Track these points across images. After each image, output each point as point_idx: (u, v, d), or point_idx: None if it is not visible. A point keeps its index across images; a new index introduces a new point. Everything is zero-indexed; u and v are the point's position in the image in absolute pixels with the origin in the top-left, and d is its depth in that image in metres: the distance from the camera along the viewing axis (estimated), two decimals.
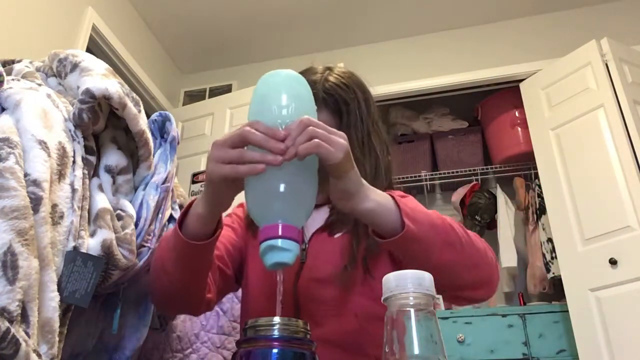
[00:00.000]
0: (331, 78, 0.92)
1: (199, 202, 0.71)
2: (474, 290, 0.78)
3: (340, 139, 0.62)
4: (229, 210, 1.07)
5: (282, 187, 0.59)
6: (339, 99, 0.90)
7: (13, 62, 0.96)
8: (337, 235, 0.90)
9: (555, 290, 2.76)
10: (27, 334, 0.56)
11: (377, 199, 0.69)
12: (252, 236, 0.96)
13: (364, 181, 0.68)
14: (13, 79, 0.84)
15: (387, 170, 0.94)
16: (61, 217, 0.67)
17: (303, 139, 0.59)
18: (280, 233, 0.56)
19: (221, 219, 0.74)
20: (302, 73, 0.94)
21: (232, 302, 1.15)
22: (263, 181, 0.60)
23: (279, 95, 0.64)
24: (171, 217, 0.93)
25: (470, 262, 0.75)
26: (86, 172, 0.76)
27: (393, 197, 0.71)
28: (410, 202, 0.73)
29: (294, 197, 0.60)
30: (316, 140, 0.59)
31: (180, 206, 1.00)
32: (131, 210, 0.82)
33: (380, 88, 3.09)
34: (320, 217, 0.93)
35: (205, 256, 0.76)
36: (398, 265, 0.84)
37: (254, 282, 0.93)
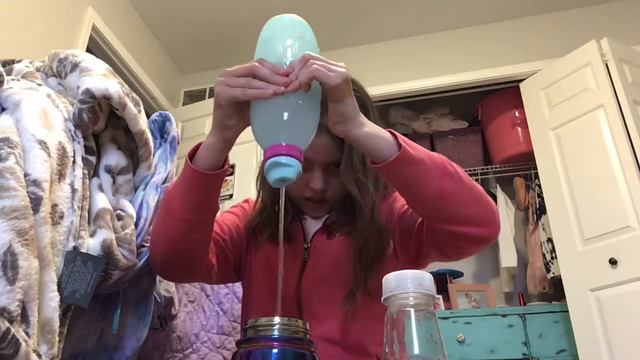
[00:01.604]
0: None
1: (207, 137, 0.74)
2: (477, 226, 0.76)
3: (340, 68, 0.66)
4: (234, 202, 1.08)
5: (285, 115, 0.63)
6: None
7: (13, 62, 0.96)
8: (336, 236, 0.91)
9: (555, 290, 2.76)
10: (27, 334, 0.56)
11: (373, 126, 0.72)
12: (253, 240, 0.96)
13: (360, 112, 0.71)
14: (13, 79, 0.84)
15: None
16: (61, 217, 0.67)
17: (306, 71, 0.63)
18: (284, 150, 0.61)
19: (227, 158, 0.76)
20: None
21: (232, 302, 1.15)
22: (268, 109, 0.65)
23: (283, 37, 0.69)
24: None
25: (471, 196, 0.76)
26: (86, 172, 0.76)
27: (389, 130, 0.74)
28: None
29: (296, 124, 0.64)
30: (315, 65, 0.63)
31: None
32: (131, 210, 0.82)
33: (380, 88, 3.08)
34: (321, 222, 0.95)
35: (213, 190, 0.77)
36: None
37: (257, 280, 0.93)
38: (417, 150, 0.72)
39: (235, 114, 0.69)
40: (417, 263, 0.89)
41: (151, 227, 0.84)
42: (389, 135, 0.72)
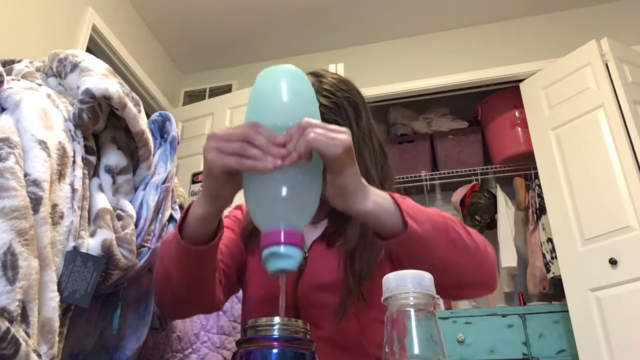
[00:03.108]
0: (322, 99, 0.87)
1: (197, 203, 0.69)
2: (476, 289, 0.78)
3: (341, 134, 0.60)
4: (226, 212, 1.07)
5: (284, 191, 0.57)
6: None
7: (13, 62, 0.96)
8: (335, 245, 0.90)
9: (555, 290, 2.76)
10: (27, 334, 0.56)
11: (376, 200, 0.66)
12: (249, 245, 0.95)
13: (363, 180, 0.66)
14: (13, 79, 0.84)
15: (383, 179, 0.92)
16: (61, 217, 0.67)
17: (303, 141, 0.57)
18: (282, 240, 0.55)
19: (222, 221, 0.73)
20: None
21: (232, 302, 1.15)
22: (264, 183, 0.58)
23: (278, 95, 0.62)
24: (171, 217, 0.93)
25: (474, 262, 0.75)
26: (86, 172, 0.76)
27: (392, 197, 0.69)
28: (410, 202, 0.72)
29: (296, 201, 0.58)
30: (313, 134, 0.57)
31: (181, 206, 1.00)
32: (131, 210, 0.82)
33: (380, 88, 3.08)
34: (319, 229, 0.94)
35: (209, 260, 0.75)
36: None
37: (254, 288, 0.93)
38: (422, 222, 0.68)
39: (228, 183, 0.64)
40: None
41: (151, 227, 0.85)
42: (392, 206, 0.68)
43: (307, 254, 0.91)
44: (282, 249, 0.55)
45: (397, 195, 0.71)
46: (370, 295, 0.84)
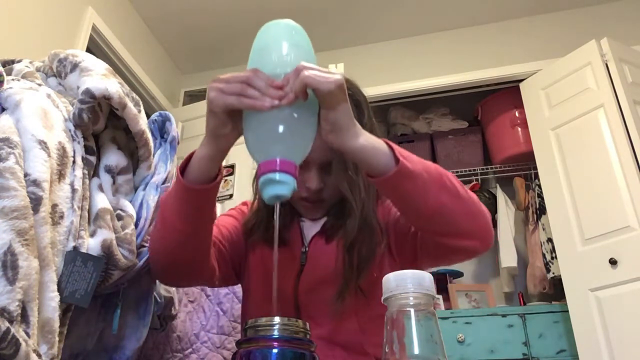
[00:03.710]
0: None
1: (200, 146, 0.71)
2: (471, 239, 0.77)
3: (334, 75, 0.63)
4: (232, 206, 1.08)
5: (281, 128, 0.62)
6: None
7: (13, 62, 0.96)
8: (334, 240, 0.90)
9: (555, 290, 2.76)
10: (27, 334, 0.56)
11: (368, 138, 0.69)
12: (250, 241, 0.96)
13: (356, 121, 0.68)
14: (13, 79, 0.84)
15: None
16: (61, 217, 0.67)
17: (298, 80, 0.60)
18: (278, 167, 0.59)
19: (221, 168, 0.74)
20: None
21: (232, 302, 1.15)
22: (262, 121, 0.63)
23: (278, 46, 0.66)
24: None
25: (467, 209, 0.75)
26: (86, 172, 0.76)
27: (385, 141, 0.71)
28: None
29: (292, 137, 0.62)
30: (307, 73, 0.60)
31: None
32: (131, 210, 0.82)
33: (380, 88, 3.08)
34: (319, 225, 0.94)
35: (208, 203, 0.75)
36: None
37: (255, 284, 0.93)
38: (414, 162, 0.70)
39: (229, 122, 0.67)
40: (414, 266, 0.89)
41: (151, 227, 0.85)
42: (384, 146, 0.70)
43: (307, 249, 0.91)
44: (277, 175, 0.59)
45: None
46: (370, 292, 0.84)
